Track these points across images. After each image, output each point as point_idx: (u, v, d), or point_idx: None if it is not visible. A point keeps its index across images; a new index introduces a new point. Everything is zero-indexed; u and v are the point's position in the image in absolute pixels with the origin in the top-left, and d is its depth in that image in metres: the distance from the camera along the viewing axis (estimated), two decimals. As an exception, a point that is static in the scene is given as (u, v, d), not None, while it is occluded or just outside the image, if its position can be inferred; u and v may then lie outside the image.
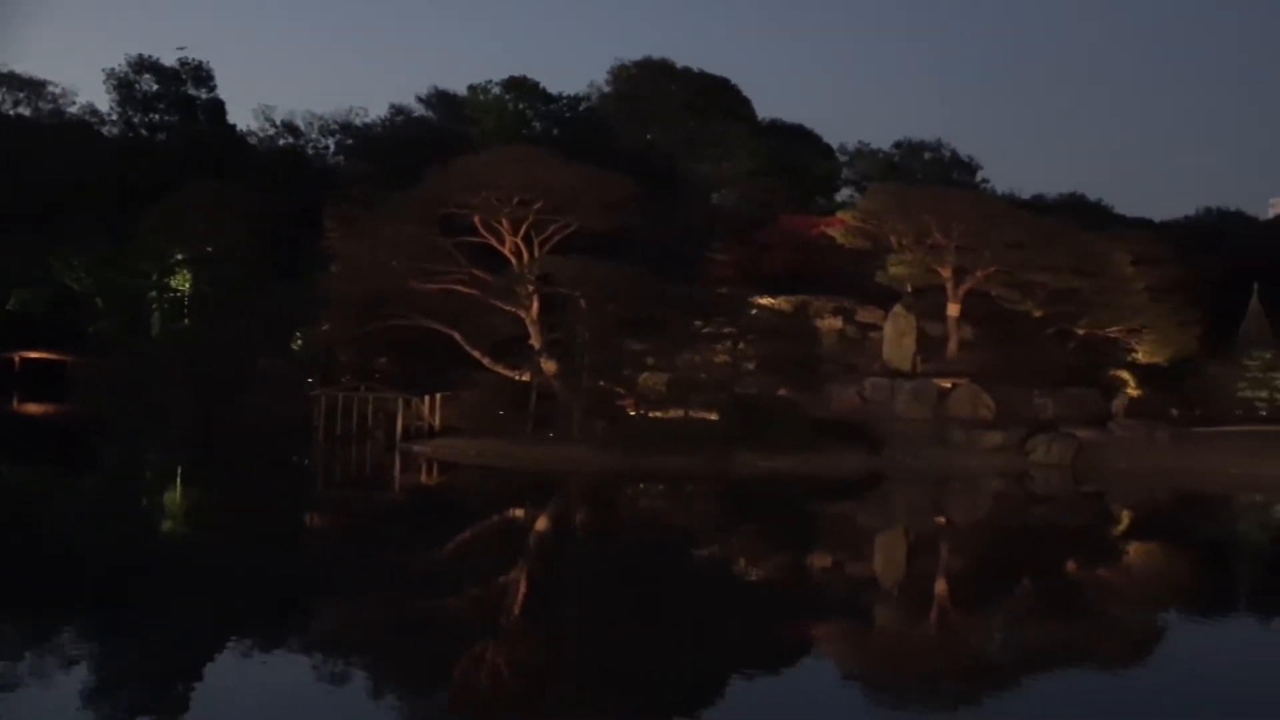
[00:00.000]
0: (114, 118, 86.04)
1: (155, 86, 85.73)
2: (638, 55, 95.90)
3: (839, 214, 67.82)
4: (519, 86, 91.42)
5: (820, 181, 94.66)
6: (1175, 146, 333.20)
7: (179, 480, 38.89)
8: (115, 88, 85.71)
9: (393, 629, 18.06)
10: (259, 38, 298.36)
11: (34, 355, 78.55)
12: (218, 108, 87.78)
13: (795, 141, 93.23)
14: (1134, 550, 31.03)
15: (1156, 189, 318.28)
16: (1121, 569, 27.57)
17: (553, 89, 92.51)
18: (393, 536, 29.23)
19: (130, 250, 70.92)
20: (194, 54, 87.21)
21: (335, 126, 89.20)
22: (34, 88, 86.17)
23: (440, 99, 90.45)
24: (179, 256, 71.22)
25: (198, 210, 67.62)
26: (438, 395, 52.82)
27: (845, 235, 61.47)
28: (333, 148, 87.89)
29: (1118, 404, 55.14)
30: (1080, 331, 59.80)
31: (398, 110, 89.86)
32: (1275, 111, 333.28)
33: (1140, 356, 60.11)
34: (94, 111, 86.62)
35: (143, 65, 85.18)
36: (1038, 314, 58.63)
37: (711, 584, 23.09)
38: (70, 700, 13.39)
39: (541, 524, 30.87)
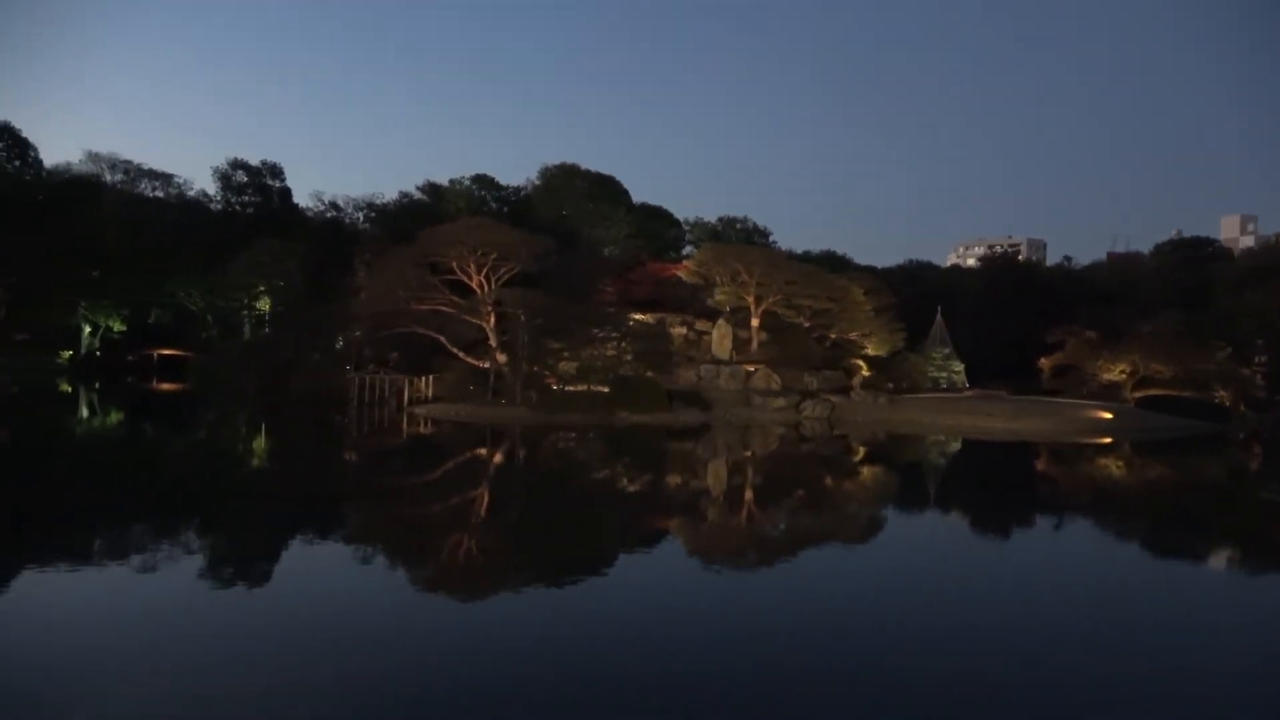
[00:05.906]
0: (218, 199, 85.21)
1: (245, 178, 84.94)
2: (557, 160, 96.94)
3: (684, 262, 68.96)
4: (481, 180, 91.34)
5: (671, 242, 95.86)
6: (887, 218, 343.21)
7: (264, 429, 38.12)
8: (218, 179, 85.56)
9: (412, 518, 17.85)
10: (316, 144, 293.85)
11: (166, 352, 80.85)
12: (286, 192, 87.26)
13: (655, 216, 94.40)
14: (865, 468, 31.54)
15: (878, 245, 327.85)
16: (858, 480, 27.99)
17: (503, 182, 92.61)
18: (407, 461, 29.30)
19: (228, 283, 69.90)
20: (272, 157, 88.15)
21: (363, 204, 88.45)
22: (165, 178, 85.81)
23: (431, 187, 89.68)
24: (260, 288, 69.97)
25: (272, 258, 67.45)
26: (430, 376, 52.39)
27: (687, 275, 62.41)
28: (361, 218, 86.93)
29: (855, 380, 56.08)
30: (832, 335, 60.75)
31: (404, 195, 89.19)
32: (954, 191, 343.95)
33: (869, 351, 61.22)
34: (205, 194, 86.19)
35: (236, 165, 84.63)
36: (806, 324, 59.45)
37: (603, 491, 23.08)
38: (189, 551, 12.78)
39: (497, 457, 30.71)
